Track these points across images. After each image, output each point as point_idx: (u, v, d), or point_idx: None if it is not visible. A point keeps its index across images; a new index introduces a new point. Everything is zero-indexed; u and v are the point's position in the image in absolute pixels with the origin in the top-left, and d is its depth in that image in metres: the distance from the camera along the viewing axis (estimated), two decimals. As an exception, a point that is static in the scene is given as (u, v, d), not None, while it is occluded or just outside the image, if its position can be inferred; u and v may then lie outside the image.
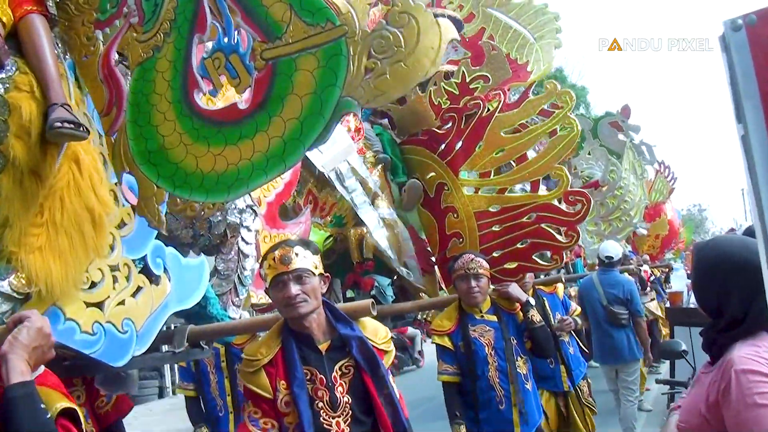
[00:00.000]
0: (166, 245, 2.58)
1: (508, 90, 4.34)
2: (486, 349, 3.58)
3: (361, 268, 4.05)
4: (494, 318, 3.69)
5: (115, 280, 2.27)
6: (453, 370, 3.60)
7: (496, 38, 4.65)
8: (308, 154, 3.79)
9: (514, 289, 3.79)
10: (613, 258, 6.87)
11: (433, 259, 4.48)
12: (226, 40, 1.56)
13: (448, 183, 4.29)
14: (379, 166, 4.29)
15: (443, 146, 4.29)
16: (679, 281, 14.61)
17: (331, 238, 4.05)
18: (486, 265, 3.64)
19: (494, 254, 4.15)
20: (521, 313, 3.72)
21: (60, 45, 2.12)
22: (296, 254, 2.27)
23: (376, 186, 4.16)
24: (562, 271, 9.68)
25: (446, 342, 3.64)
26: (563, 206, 4.01)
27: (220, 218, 3.00)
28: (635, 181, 10.35)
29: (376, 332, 2.42)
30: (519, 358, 3.61)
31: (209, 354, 2.97)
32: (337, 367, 2.31)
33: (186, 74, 1.68)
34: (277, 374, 2.27)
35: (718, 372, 1.78)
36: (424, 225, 4.51)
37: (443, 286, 4.57)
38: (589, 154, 10.83)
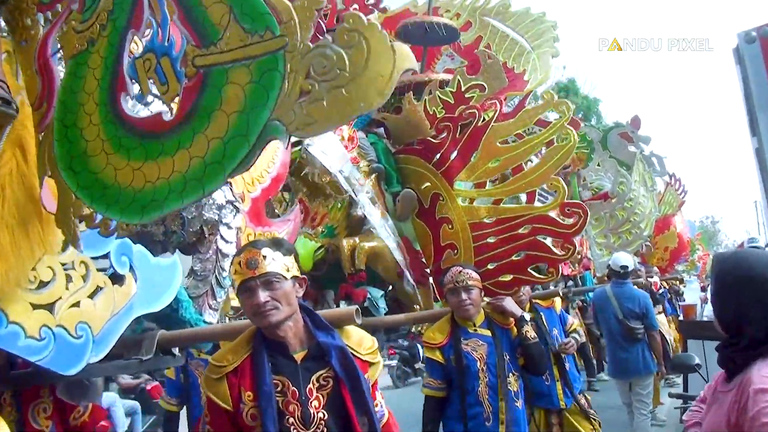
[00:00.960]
0: (134, 242, 2.44)
1: (505, 99, 4.26)
2: (478, 363, 3.49)
3: (353, 279, 3.97)
4: (488, 332, 3.61)
5: (69, 279, 2.12)
6: (437, 385, 3.52)
7: (493, 47, 4.59)
8: (313, 152, 3.71)
9: (508, 303, 3.70)
10: (628, 268, 6.83)
11: (428, 270, 4.39)
12: (159, 39, 1.42)
13: (443, 193, 4.21)
14: (373, 176, 4.22)
15: (438, 156, 4.21)
16: (693, 294, 14.40)
17: (323, 249, 3.97)
18: (476, 276, 3.56)
19: (489, 266, 4.06)
20: (515, 329, 3.63)
21: (5, 25, 1.97)
22: (264, 257, 2.11)
23: (370, 195, 4.08)
24: (570, 284, 9.63)
25: (437, 356, 3.55)
26: (560, 218, 3.92)
27: (194, 214, 2.87)
28: (645, 193, 10.23)
29: (361, 342, 2.26)
30: (511, 375, 3.51)
31: (181, 362, 2.87)
32: (313, 378, 2.14)
33: (116, 74, 1.54)
34: (241, 384, 2.09)
35: (737, 391, 1.77)
36: (418, 236, 4.43)
37: (438, 297, 4.49)
38: (598, 165, 10.73)
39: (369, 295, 4.07)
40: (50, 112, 1.73)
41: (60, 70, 1.79)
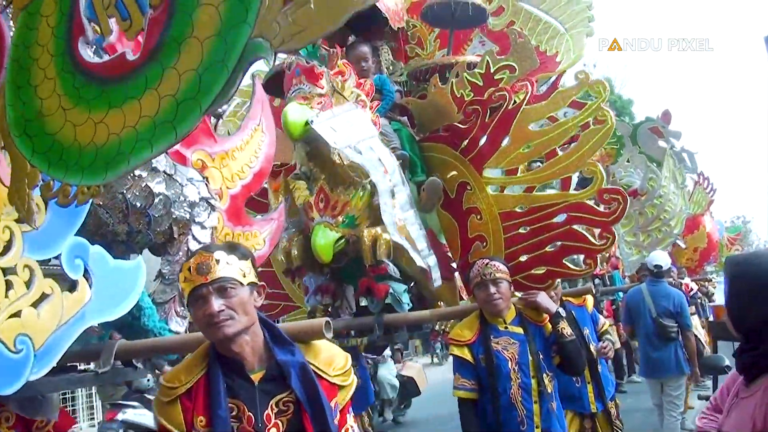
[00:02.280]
0: (92, 243, 2.21)
1: (536, 81, 4.01)
2: (509, 363, 3.24)
3: (374, 272, 3.72)
4: (520, 330, 3.36)
5: (8, 286, 1.89)
6: (470, 386, 3.27)
7: (525, 31, 4.34)
8: (318, 129, 3.50)
9: (542, 298, 3.45)
10: (662, 267, 6.74)
11: (454, 265, 4.15)
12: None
13: (471, 182, 3.97)
14: (397, 164, 3.97)
15: (466, 142, 3.97)
16: (723, 295, 14.02)
17: (343, 240, 3.71)
18: (504, 268, 3.33)
19: (521, 258, 3.82)
20: (549, 325, 3.38)
21: None
22: (217, 261, 1.87)
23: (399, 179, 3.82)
24: (598, 282, 9.36)
25: (465, 353, 3.31)
26: (597, 206, 3.67)
27: (162, 212, 2.63)
28: (675, 190, 9.96)
29: (330, 361, 1.99)
30: (545, 375, 3.26)
31: (144, 375, 2.63)
32: (272, 402, 1.89)
33: (72, 17, 1.32)
34: (194, 408, 1.86)
35: (763, 397, 1.73)
36: (444, 228, 4.19)
37: (463, 295, 4.25)
38: (628, 161, 10.54)
39: (391, 290, 3.82)
40: (1, 75, 1.52)
41: (11, 27, 1.57)
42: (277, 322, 5.77)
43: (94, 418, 10.27)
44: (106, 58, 1.33)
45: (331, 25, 1.14)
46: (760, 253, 2.18)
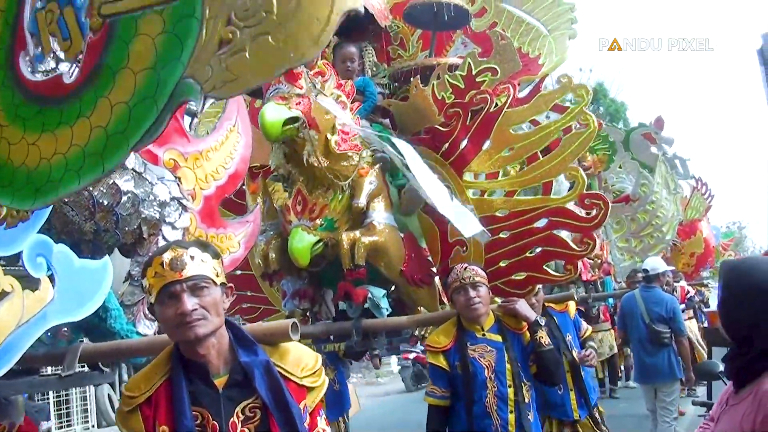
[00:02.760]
0: (59, 241, 2.15)
1: (519, 84, 3.95)
2: (485, 371, 3.18)
3: (351, 276, 3.65)
4: (497, 337, 3.29)
5: None
6: (441, 393, 3.21)
7: (508, 33, 4.27)
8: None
9: (521, 306, 3.38)
10: (648, 271, 6.83)
11: (434, 269, 4.08)
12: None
13: (452, 185, 3.89)
14: (377, 166, 3.91)
15: (447, 145, 3.90)
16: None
17: (321, 243, 3.65)
18: (482, 273, 3.27)
19: (501, 264, 3.76)
20: (528, 334, 3.31)
21: None
22: (191, 257, 1.78)
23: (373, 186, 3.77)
24: (590, 288, 9.31)
25: (440, 360, 3.25)
26: (578, 210, 3.62)
27: (131, 211, 2.57)
28: (668, 196, 9.94)
29: (298, 362, 1.90)
30: (522, 385, 3.19)
31: (112, 378, 2.56)
32: (238, 410, 1.79)
33: (15, 30, 1.28)
34: (155, 417, 1.77)
35: (753, 403, 1.72)
36: (424, 232, 4.13)
37: (445, 300, 4.18)
38: (620, 167, 10.51)
39: (370, 295, 3.75)
40: None
41: None
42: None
43: (88, 421, 10.21)
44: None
45: (263, 77, 1.10)
46: (752, 258, 2.18)
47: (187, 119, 3.96)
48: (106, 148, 1.14)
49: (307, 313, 4.09)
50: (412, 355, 12.92)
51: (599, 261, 9.08)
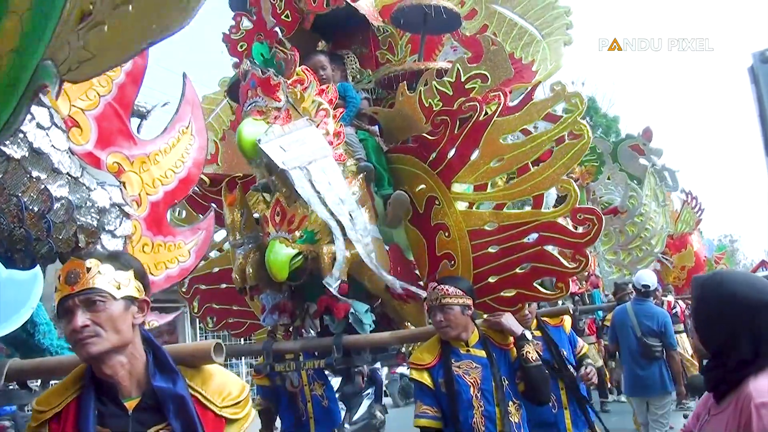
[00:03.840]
0: None
1: (510, 92, 3.79)
2: (471, 389, 3.02)
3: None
4: (483, 353, 3.13)
5: None
6: (433, 413, 3.06)
7: (500, 36, 4.12)
8: (267, 149, 3.29)
9: (507, 319, 3.24)
10: (649, 287, 6.83)
11: (421, 283, 3.90)
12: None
13: (440, 197, 3.73)
14: (361, 176, 3.74)
15: (434, 154, 3.73)
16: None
17: (301, 257, 3.47)
18: (455, 291, 3.13)
19: (490, 280, 3.59)
20: (515, 349, 3.15)
21: None
22: (88, 269, 1.67)
23: (355, 198, 3.61)
24: (578, 300, 9.21)
25: (425, 378, 3.10)
26: (570, 226, 3.45)
27: (64, 218, 2.41)
28: (657, 208, 9.89)
29: (221, 390, 1.78)
30: (511, 403, 3.03)
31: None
32: None
33: None
34: None
35: (735, 410, 1.76)
36: (412, 244, 3.95)
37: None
38: (608, 178, 10.51)
39: (352, 310, 3.57)
40: None
41: None
42: (248, 341, 5.51)
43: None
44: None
45: (122, 54, 0.98)
46: (725, 271, 2.29)
47: (135, 121, 3.81)
48: None
49: (290, 329, 3.90)
50: (399, 369, 12.79)
51: (587, 273, 9.03)
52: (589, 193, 9.95)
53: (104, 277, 1.69)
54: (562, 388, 4.01)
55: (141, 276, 1.79)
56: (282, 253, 3.38)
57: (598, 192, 10.38)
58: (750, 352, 1.79)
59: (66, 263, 1.72)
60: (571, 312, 7.86)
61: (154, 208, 3.01)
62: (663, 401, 6.58)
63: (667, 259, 11.41)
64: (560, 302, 7.48)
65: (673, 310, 9.53)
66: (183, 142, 3.27)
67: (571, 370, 4.02)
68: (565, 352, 4.08)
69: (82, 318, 1.64)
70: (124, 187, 2.78)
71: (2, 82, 0.96)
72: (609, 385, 10.71)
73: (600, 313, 10.03)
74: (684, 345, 9.43)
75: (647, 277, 7.01)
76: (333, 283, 3.33)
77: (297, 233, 3.48)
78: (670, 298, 9.93)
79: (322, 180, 3.37)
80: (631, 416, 7.86)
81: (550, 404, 3.77)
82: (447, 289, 3.13)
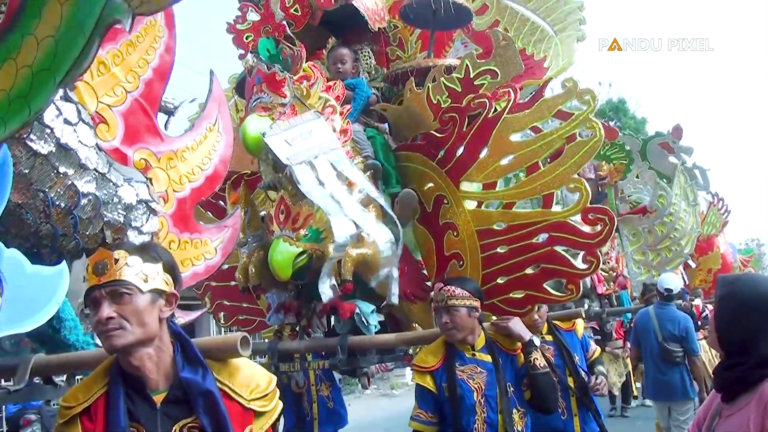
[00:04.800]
0: (11, 246, 2.02)
1: (521, 88, 3.69)
2: (474, 395, 2.93)
3: (340, 290, 3.41)
4: (488, 358, 3.04)
5: None
6: (427, 418, 2.97)
7: (511, 32, 4.02)
8: (272, 144, 3.24)
9: (515, 324, 3.13)
10: (672, 291, 6.71)
11: (429, 284, 3.83)
12: None
13: (448, 195, 3.65)
14: (368, 174, 3.68)
15: (443, 152, 3.65)
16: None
17: (305, 255, 3.41)
18: (462, 292, 3.02)
19: (498, 281, 3.50)
20: (522, 355, 3.06)
21: None
22: (116, 260, 1.64)
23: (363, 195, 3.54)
24: (599, 302, 9.00)
25: (427, 381, 3.02)
26: (582, 226, 3.35)
27: (91, 214, 2.39)
28: (687, 208, 9.62)
29: (248, 382, 1.75)
30: (515, 411, 2.93)
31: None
32: (176, 427, 1.66)
33: None
34: (95, 430, 1.64)
35: (757, 408, 1.77)
36: (420, 243, 3.88)
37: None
38: (637, 177, 10.26)
39: (358, 310, 3.51)
40: None
41: None
42: (254, 339, 5.48)
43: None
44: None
45: None
46: (751, 274, 2.25)
47: (162, 117, 3.79)
48: (32, 88, 1.04)
49: (296, 328, 3.86)
50: None
51: (614, 274, 8.81)
52: (618, 192, 9.73)
53: (131, 269, 1.66)
54: (573, 395, 3.88)
55: (170, 269, 1.76)
56: (285, 252, 3.33)
57: (626, 190, 10.14)
58: None
59: (95, 253, 1.69)
60: (599, 314, 7.77)
61: (181, 204, 2.99)
62: (685, 407, 6.45)
63: (692, 262, 11.11)
64: (586, 304, 7.41)
65: (702, 314, 9.27)
66: (210, 138, 3.26)
67: (583, 375, 3.90)
68: (577, 358, 3.96)
69: (107, 310, 1.62)
70: (151, 184, 2.76)
71: (67, 26, 0.97)
72: (635, 393, 10.48)
73: (628, 315, 9.80)
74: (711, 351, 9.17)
75: (670, 280, 6.90)
76: (326, 290, 3.26)
77: (301, 231, 3.43)
78: (698, 302, 9.65)
79: (329, 174, 3.31)
80: (651, 422, 7.65)
81: (560, 411, 3.66)
82: (453, 290, 3.04)
